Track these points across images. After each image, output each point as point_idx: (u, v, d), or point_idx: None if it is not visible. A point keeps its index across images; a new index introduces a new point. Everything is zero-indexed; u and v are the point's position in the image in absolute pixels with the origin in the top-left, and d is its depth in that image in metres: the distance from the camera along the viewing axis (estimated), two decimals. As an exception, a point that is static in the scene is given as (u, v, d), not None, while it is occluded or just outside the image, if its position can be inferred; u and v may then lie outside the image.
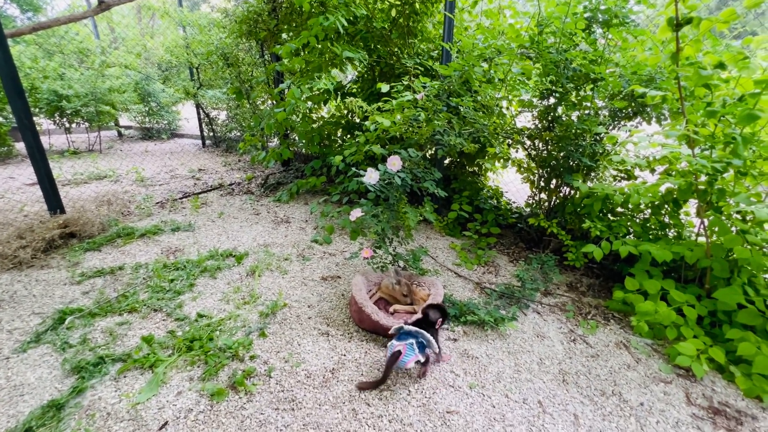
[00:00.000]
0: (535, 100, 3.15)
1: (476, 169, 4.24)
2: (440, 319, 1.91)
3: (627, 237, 2.65)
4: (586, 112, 2.95)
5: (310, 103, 5.00)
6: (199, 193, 4.67)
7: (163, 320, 2.28)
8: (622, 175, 3.03)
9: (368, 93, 4.27)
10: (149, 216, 3.89)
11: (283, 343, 2.12)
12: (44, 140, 7.24)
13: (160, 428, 1.59)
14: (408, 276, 2.55)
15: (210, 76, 6.41)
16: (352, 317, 2.31)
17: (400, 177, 2.16)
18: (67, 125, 6.60)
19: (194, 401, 1.72)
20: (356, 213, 2.21)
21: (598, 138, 2.99)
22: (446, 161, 4.49)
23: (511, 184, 4.33)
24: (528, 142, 3.27)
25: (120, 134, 8.52)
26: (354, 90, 4.70)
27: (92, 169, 5.45)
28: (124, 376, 1.85)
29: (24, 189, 4.77)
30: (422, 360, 1.81)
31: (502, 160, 3.54)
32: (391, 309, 2.35)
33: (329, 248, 3.32)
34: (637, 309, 2.27)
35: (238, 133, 7.33)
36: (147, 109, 8.19)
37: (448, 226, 3.75)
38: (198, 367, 1.93)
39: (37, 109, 6.25)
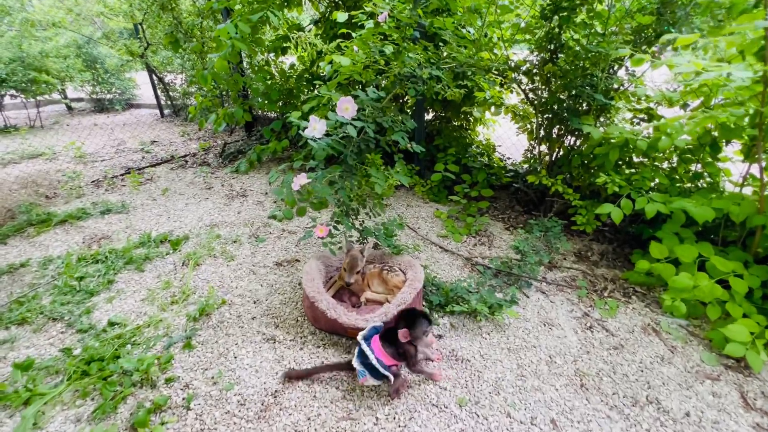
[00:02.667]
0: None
1: (463, 122, 3.64)
2: (405, 330, 1.34)
3: (651, 192, 2.13)
4: (599, 38, 2.33)
5: (268, 55, 4.28)
6: (145, 167, 4.02)
7: (62, 333, 1.76)
8: (642, 116, 2.47)
9: (332, 36, 3.56)
10: (79, 197, 3.27)
11: (214, 356, 1.61)
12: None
13: (14, 505, 1.10)
14: (380, 256, 2.02)
15: (159, 33, 5.54)
16: (306, 314, 1.80)
17: (355, 126, 1.57)
18: (-3, 99, 5.76)
19: (74, 456, 1.23)
20: (300, 180, 1.64)
21: (612, 71, 2.39)
22: (429, 116, 3.87)
23: (504, 137, 3.75)
24: (525, 81, 2.66)
25: (69, 108, 7.62)
26: (317, 34, 3.96)
27: (25, 147, 4.72)
28: (-15, 422, 1.35)
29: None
30: (386, 379, 1.33)
31: (493, 107, 2.94)
32: (362, 298, 1.84)
33: (290, 224, 2.77)
34: (670, 284, 1.78)
35: (199, 99, 6.52)
36: (95, 76, 7.27)
37: (432, 191, 3.20)
38: (93, 399, 1.43)
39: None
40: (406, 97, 3.57)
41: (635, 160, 2.42)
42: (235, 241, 2.52)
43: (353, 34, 2.24)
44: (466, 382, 1.49)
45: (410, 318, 1.36)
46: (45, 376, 1.51)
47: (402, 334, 1.33)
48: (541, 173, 2.55)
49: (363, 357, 1.34)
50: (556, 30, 2.37)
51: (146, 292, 2.03)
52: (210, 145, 4.72)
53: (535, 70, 2.61)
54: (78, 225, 2.76)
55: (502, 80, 2.77)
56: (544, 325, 1.80)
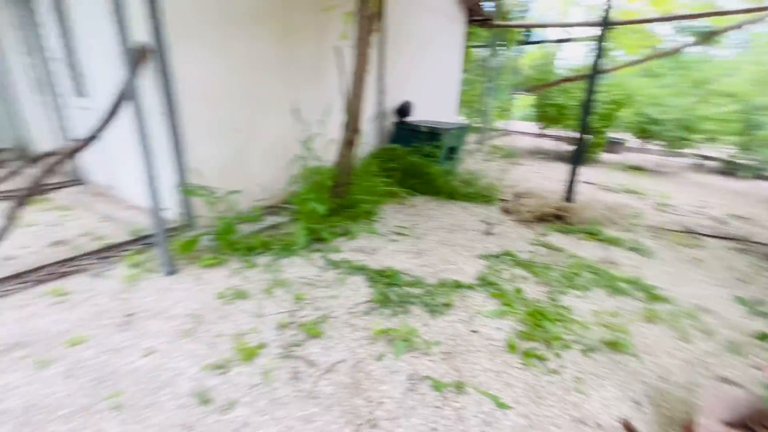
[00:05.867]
0: None
1: None
2: None
3: None
4: None
5: None
6: (703, 234, 4.08)
7: (537, 287, 2.80)
8: None
9: None
10: (627, 231, 4.10)
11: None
12: (625, 155, 8.65)
13: (471, 331, 2.32)
14: None
15: None
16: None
17: None
18: (644, 145, 7.47)
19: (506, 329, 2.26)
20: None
21: None
22: None
23: None
24: None
25: (694, 164, 8.28)
26: None
27: (629, 183, 6.10)
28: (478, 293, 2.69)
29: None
30: None
31: None
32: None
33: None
34: None
35: None
36: (742, 141, 7.26)
37: None
38: (502, 305, 2.38)
39: (630, 130, 7.54)
40: None
41: None
42: (692, 316, 2.39)
43: None
44: None
45: None
46: (521, 279, 2.64)
47: None
48: None
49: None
50: None
51: (594, 308, 2.61)
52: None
53: None
54: (605, 246, 3.65)
55: None
56: None
